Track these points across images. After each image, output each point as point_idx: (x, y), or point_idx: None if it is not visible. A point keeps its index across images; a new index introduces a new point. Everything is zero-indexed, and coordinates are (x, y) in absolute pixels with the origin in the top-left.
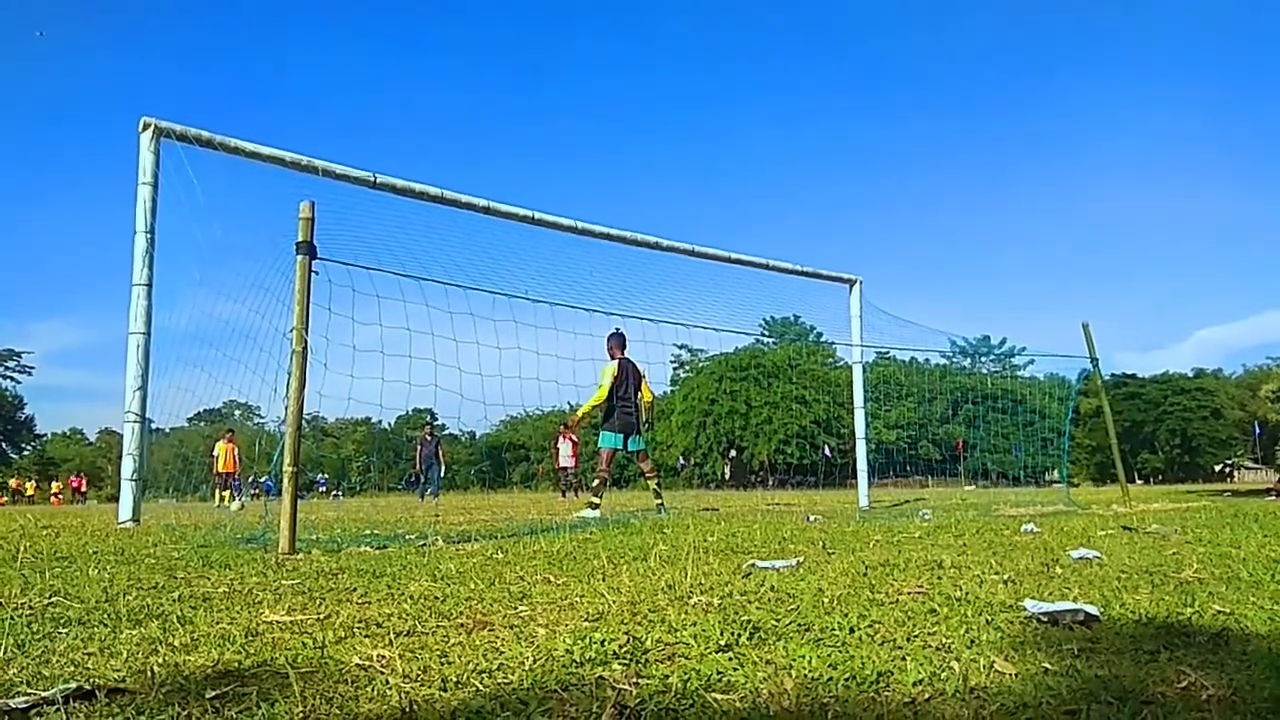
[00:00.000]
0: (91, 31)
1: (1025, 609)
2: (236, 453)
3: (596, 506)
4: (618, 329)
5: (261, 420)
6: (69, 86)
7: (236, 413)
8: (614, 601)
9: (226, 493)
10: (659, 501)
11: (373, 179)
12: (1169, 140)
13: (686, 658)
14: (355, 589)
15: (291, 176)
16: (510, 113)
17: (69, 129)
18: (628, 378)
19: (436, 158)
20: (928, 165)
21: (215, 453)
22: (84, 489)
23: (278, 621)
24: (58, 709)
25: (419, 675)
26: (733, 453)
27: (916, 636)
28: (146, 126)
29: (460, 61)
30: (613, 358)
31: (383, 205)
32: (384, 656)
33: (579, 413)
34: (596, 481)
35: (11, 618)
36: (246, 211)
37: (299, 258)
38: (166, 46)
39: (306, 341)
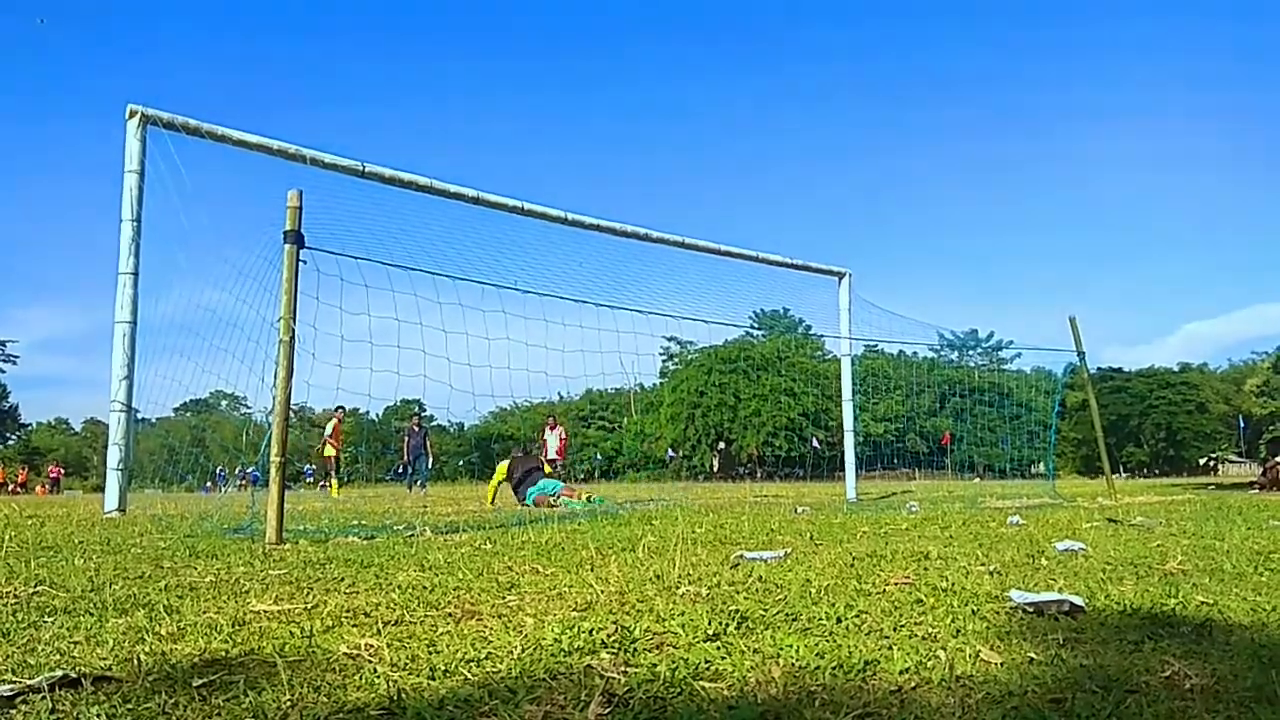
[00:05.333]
0: (78, 16)
1: (1011, 599)
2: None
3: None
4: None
5: (249, 410)
6: (55, 72)
7: (223, 403)
8: (602, 591)
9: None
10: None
11: (361, 168)
12: (1159, 134)
13: (675, 647)
14: (343, 579)
15: (279, 165)
16: (502, 106)
17: (55, 115)
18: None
19: (425, 146)
20: (919, 159)
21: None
22: (60, 478)
23: (265, 611)
24: (43, 696)
25: (407, 664)
26: (721, 445)
27: (903, 626)
28: (133, 114)
29: (453, 50)
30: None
31: (371, 194)
32: (372, 645)
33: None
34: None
35: None
36: (234, 200)
37: (286, 246)
38: (154, 32)
39: (294, 331)
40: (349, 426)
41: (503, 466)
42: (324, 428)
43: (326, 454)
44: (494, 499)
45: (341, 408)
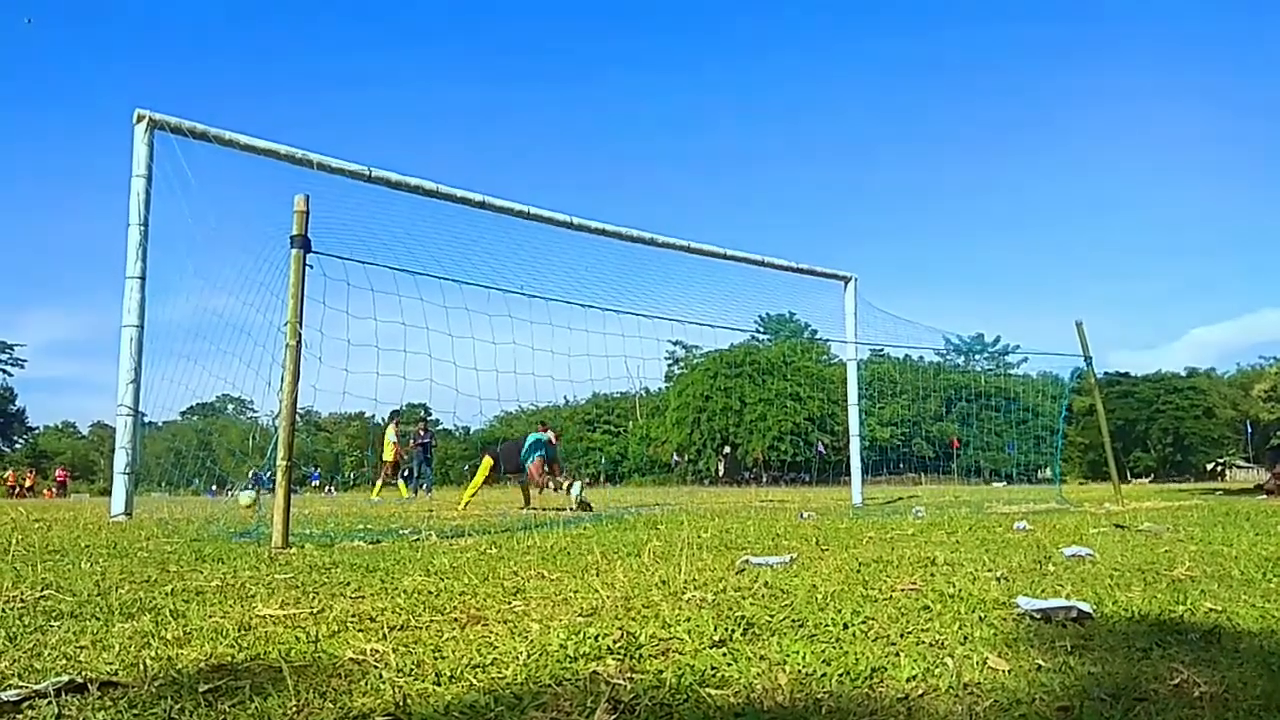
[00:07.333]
0: (85, 19)
1: (1018, 606)
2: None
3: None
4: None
5: (255, 414)
6: (62, 76)
7: (229, 407)
8: (608, 597)
9: (398, 482)
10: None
11: (368, 172)
12: (1166, 138)
13: (680, 653)
14: (349, 583)
15: (286, 169)
16: (505, 107)
17: (62, 119)
18: None
19: (432, 151)
20: (924, 163)
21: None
22: (66, 482)
23: (271, 616)
24: (49, 702)
25: (413, 669)
26: (727, 449)
27: (910, 633)
28: (140, 118)
29: (457, 53)
30: None
31: (378, 199)
32: (378, 651)
33: None
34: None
35: (3, 611)
36: (241, 205)
37: (293, 251)
38: (160, 35)
39: (300, 335)
40: (355, 430)
41: (486, 462)
42: (383, 434)
43: (386, 459)
44: (466, 504)
45: (397, 411)
